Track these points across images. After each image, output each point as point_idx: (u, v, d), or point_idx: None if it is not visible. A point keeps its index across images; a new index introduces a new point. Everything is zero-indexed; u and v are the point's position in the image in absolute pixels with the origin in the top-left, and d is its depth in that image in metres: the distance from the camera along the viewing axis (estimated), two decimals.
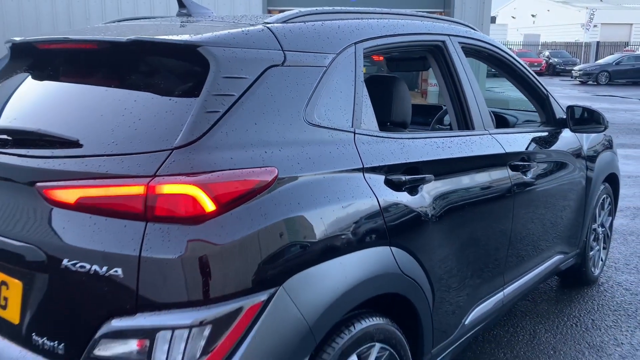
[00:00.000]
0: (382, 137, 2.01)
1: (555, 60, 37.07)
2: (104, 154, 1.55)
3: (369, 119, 1.99)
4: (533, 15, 60.34)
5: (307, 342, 1.58)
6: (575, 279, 3.85)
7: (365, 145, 1.91)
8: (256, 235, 1.52)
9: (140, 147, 1.53)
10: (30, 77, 2.02)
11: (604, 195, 3.87)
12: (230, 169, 1.52)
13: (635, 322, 3.38)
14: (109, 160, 1.53)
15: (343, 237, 1.73)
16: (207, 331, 1.44)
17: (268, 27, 1.85)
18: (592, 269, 3.87)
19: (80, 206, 1.52)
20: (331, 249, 1.69)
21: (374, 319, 1.85)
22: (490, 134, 2.60)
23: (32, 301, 1.61)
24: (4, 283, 1.69)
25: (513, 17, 62.88)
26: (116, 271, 1.45)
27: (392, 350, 1.93)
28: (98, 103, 1.72)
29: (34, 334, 1.60)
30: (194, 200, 1.46)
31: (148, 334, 1.44)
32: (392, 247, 1.90)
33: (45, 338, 1.58)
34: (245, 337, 1.48)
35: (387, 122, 2.36)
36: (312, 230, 1.64)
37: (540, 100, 3.26)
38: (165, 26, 2.04)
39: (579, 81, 28.80)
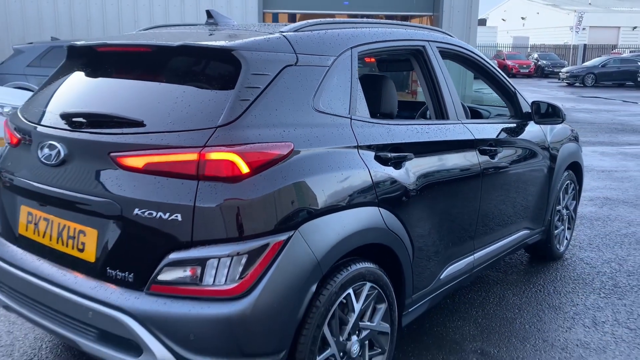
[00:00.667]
0: (372, 122, 2.54)
1: (544, 62, 37.79)
2: (164, 131, 2.06)
3: (362, 108, 2.52)
4: (523, 18, 61.12)
5: (316, 272, 2.10)
6: (542, 254, 4.39)
7: (359, 129, 2.44)
8: (278, 191, 2.04)
9: (192, 125, 2.05)
10: (92, 72, 2.53)
11: (568, 181, 4.41)
12: (259, 143, 2.04)
13: (590, 289, 3.93)
14: (168, 135, 2.05)
15: (342, 196, 2.25)
16: (243, 259, 1.96)
17: (284, 35, 2.37)
18: (557, 246, 4.42)
19: (147, 170, 2.03)
20: (333, 205, 2.21)
21: (366, 263, 2.37)
22: (462, 123, 3.13)
23: (106, 244, 2.12)
24: (81, 232, 2.20)
25: (503, 20, 63.64)
26: (176, 217, 1.97)
27: (379, 290, 2.45)
28: (154, 93, 2.24)
29: (108, 268, 2.11)
30: (233, 164, 1.98)
31: (200, 262, 1.96)
32: (379, 208, 2.42)
33: (117, 271, 2.09)
34: (271, 265, 2.00)
35: (377, 113, 2.88)
36: (319, 189, 2.16)
37: (509, 96, 3.80)
38: (201, 34, 2.55)
39: (566, 83, 29.51)
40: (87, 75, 2.56)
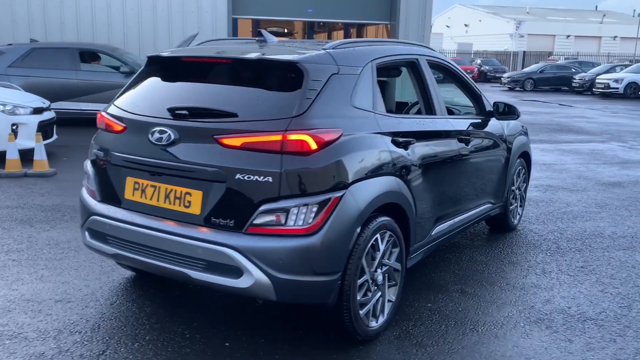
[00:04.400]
0: (387, 115, 3.46)
1: (486, 67, 39.88)
2: (253, 120, 2.92)
3: (380, 106, 3.44)
4: (466, 25, 63.72)
5: (359, 218, 3.01)
6: (500, 226, 5.43)
7: (380, 120, 3.35)
8: (335, 162, 2.93)
9: (274, 116, 2.91)
10: (179, 77, 3.36)
11: (520, 167, 5.48)
12: (321, 128, 2.92)
13: (539, 250, 4.98)
14: (257, 123, 2.90)
15: (373, 167, 3.16)
16: (314, 208, 2.84)
17: (327, 52, 3.26)
18: (512, 219, 5.47)
19: (243, 147, 2.88)
20: (368, 173, 3.11)
21: (386, 217, 3.28)
22: (445, 118, 4.10)
23: (210, 200, 2.95)
24: (187, 193, 3.02)
25: (448, 27, 66.11)
26: (268, 179, 2.83)
27: (395, 237, 3.37)
28: (240, 92, 3.09)
29: (212, 218, 2.94)
30: (306, 143, 2.85)
31: (285, 210, 2.83)
32: (396, 177, 3.35)
33: (220, 219, 2.93)
34: (332, 212, 2.88)
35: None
36: (359, 162, 3.06)
37: (476, 97, 4.80)
38: (264, 47, 3.41)
39: (508, 87, 31.43)
40: (175, 79, 3.38)
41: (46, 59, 11.31)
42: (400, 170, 3.39)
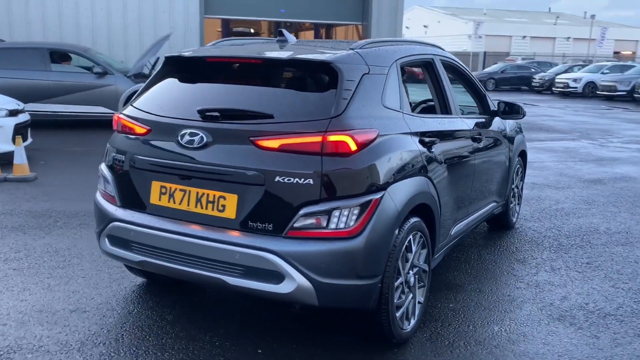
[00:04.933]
0: (413, 115, 3.44)
1: None
2: (290, 121, 2.85)
3: (406, 105, 3.42)
4: (425, 26, 64.59)
5: (397, 220, 2.97)
6: (501, 224, 5.49)
7: (408, 120, 3.33)
8: (374, 163, 2.89)
9: (311, 117, 2.85)
10: (204, 78, 3.26)
11: (518, 165, 5.55)
12: (359, 128, 2.88)
13: (542, 247, 5.06)
14: (294, 124, 2.84)
15: (407, 168, 3.13)
16: (356, 210, 2.79)
17: (357, 52, 3.22)
18: (512, 218, 5.54)
19: (282, 149, 2.81)
20: (403, 174, 3.08)
21: (417, 218, 3.26)
22: (460, 118, 4.12)
23: (246, 204, 2.86)
24: (221, 197, 2.93)
25: (407, 27, 66.84)
26: (309, 181, 2.76)
27: (424, 238, 3.35)
28: (275, 94, 3.02)
29: (249, 222, 2.86)
30: (346, 144, 2.80)
31: (327, 213, 2.77)
32: (425, 177, 3.33)
33: (257, 223, 2.85)
34: (373, 214, 2.84)
35: None
36: (395, 163, 3.03)
37: (480, 97, 4.84)
38: (288, 47, 3.34)
39: None
40: (201, 79, 3.28)
41: (14, 59, 10.90)
42: (428, 170, 3.37)
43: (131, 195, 3.22)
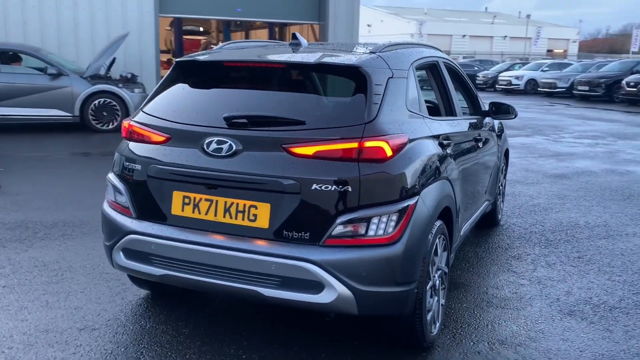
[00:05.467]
0: (431, 118, 3.45)
1: None
2: (324, 127, 2.80)
3: (424, 108, 3.42)
4: (369, 25, 65.21)
5: (431, 224, 2.97)
6: (488, 222, 5.59)
7: (428, 123, 3.33)
8: (408, 169, 2.87)
9: (345, 122, 2.80)
10: (223, 83, 3.15)
11: (503, 164, 5.68)
12: (392, 134, 2.85)
13: (532, 243, 5.19)
14: (328, 130, 2.78)
15: (434, 172, 3.13)
16: (394, 217, 2.77)
17: (379, 55, 3.18)
18: (498, 215, 5.66)
19: (316, 156, 2.75)
20: (432, 178, 3.08)
21: (441, 221, 3.26)
22: (464, 119, 4.16)
23: (280, 213, 2.78)
24: (252, 206, 2.84)
25: (369, 25, 67.38)
26: (347, 188, 2.72)
27: (446, 240, 3.37)
28: (303, 99, 2.95)
29: (284, 231, 2.78)
30: (383, 149, 2.77)
31: (366, 220, 2.73)
32: (447, 180, 3.34)
33: (293, 232, 2.78)
34: (409, 220, 2.82)
35: None
36: (425, 167, 3.02)
37: (472, 98, 4.91)
38: (303, 51, 3.27)
39: None
40: (220, 85, 3.17)
41: None
42: (448, 173, 3.39)
43: (149, 206, 3.08)
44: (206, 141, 2.90)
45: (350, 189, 2.73)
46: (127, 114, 11.33)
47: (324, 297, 2.74)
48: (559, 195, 7.10)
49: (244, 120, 2.91)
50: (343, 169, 2.74)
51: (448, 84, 4.05)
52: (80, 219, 5.55)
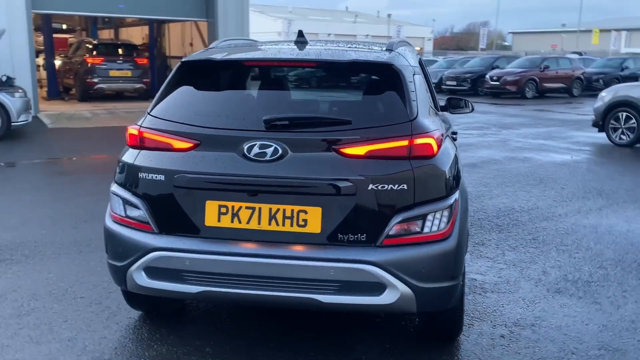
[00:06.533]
0: (439, 114, 3.52)
1: None
2: (370, 126, 2.75)
3: (437, 104, 3.48)
4: None
5: (466, 215, 3.04)
6: None
7: (441, 118, 3.40)
8: (450, 165, 2.91)
9: (391, 120, 2.78)
10: (248, 83, 2.97)
11: None
12: (434, 130, 2.87)
13: (486, 230, 5.48)
14: (378, 129, 2.74)
15: (459, 167, 3.21)
16: (446, 212, 2.79)
17: (399, 53, 3.19)
18: None
19: (369, 155, 2.70)
20: (460, 172, 3.15)
21: None
22: (441, 114, 4.30)
23: (333, 216, 2.69)
24: (301, 211, 2.71)
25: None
26: (403, 186, 2.70)
27: None
28: (343, 97, 2.87)
29: (338, 234, 2.70)
30: (431, 146, 2.78)
31: (422, 217, 2.73)
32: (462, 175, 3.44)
33: (348, 235, 2.70)
34: (457, 214, 2.87)
35: None
36: (456, 162, 3.08)
37: (433, 93, 5.06)
38: (315, 48, 3.17)
39: None
40: (243, 86, 2.98)
41: None
42: (460, 167, 3.48)
43: (177, 219, 2.83)
44: (246, 146, 2.73)
45: (405, 187, 2.71)
46: (9, 121, 10.30)
47: (386, 298, 2.70)
48: (483, 183, 7.57)
49: (286, 122, 2.77)
50: (397, 167, 2.72)
51: (429, 79, 4.15)
52: (12, 241, 4.94)
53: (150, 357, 3.08)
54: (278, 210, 2.73)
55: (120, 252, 2.94)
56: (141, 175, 2.88)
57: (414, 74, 3.10)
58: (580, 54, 33.65)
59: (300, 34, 3.43)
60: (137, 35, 21.42)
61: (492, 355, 3.16)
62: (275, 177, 2.70)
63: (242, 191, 2.75)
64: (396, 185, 2.70)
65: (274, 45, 3.41)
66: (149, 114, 3.01)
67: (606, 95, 10.96)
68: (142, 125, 2.96)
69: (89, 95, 16.11)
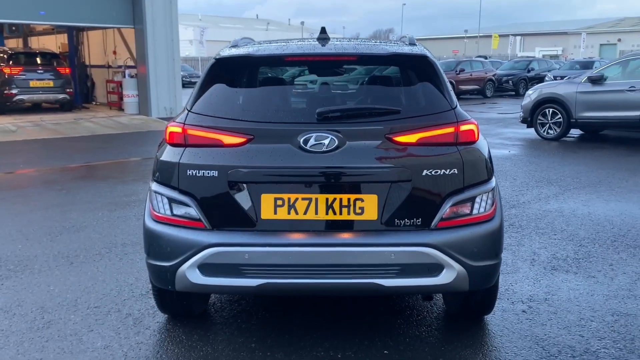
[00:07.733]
0: None
1: (182, 73, 40.24)
2: (419, 115, 2.88)
3: None
4: None
5: (500, 198, 3.23)
6: None
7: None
8: (487, 149, 3.08)
9: (436, 109, 2.92)
10: (293, 77, 3.00)
11: None
12: (471, 118, 3.04)
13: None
14: (424, 117, 2.87)
15: None
16: (490, 194, 2.96)
17: (421, 46, 3.34)
18: None
19: (420, 143, 2.82)
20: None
21: None
22: None
23: (389, 203, 2.78)
24: (357, 199, 2.79)
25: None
26: (454, 171, 2.84)
27: None
28: (387, 89, 2.97)
29: (395, 219, 2.80)
30: (474, 132, 2.95)
31: (471, 199, 2.88)
32: None
33: (405, 219, 2.81)
34: (499, 196, 3.05)
35: None
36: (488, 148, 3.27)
37: None
38: (357, 43, 3.26)
39: None
40: (285, 81, 3.00)
41: None
42: None
43: (230, 214, 2.82)
44: (302, 138, 2.77)
45: (456, 172, 2.85)
46: None
47: (443, 278, 2.82)
48: None
49: (338, 114, 2.84)
50: (447, 153, 2.86)
51: None
52: None
53: (198, 357, 3.03)
54: (335, 199, 2.79)
55: (168, 251, 2.87)
56: (190, 172, 2.84)
57: (438, 67, 3.26)
58: (485, 57, 35.58)
59: (323, 30, 3.50)
60: (50, 44, 20.38)
61: (522, 328, 3.37)
62: (334, 167, 2.76)
63: (300, 182, 2.78)
64: (448, 170, 2.84)
65: (301, 42, 3.46)
66: (189, 111, 2.97)
67: (533, 93, 11.73)
68: (186, 123, 2.91)
69: (7, 107, 15.16)
